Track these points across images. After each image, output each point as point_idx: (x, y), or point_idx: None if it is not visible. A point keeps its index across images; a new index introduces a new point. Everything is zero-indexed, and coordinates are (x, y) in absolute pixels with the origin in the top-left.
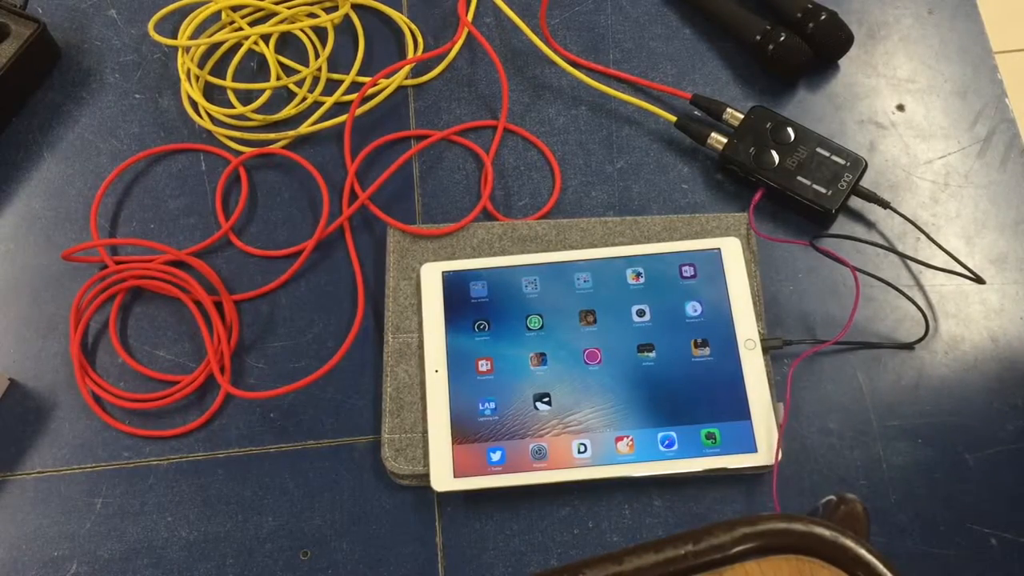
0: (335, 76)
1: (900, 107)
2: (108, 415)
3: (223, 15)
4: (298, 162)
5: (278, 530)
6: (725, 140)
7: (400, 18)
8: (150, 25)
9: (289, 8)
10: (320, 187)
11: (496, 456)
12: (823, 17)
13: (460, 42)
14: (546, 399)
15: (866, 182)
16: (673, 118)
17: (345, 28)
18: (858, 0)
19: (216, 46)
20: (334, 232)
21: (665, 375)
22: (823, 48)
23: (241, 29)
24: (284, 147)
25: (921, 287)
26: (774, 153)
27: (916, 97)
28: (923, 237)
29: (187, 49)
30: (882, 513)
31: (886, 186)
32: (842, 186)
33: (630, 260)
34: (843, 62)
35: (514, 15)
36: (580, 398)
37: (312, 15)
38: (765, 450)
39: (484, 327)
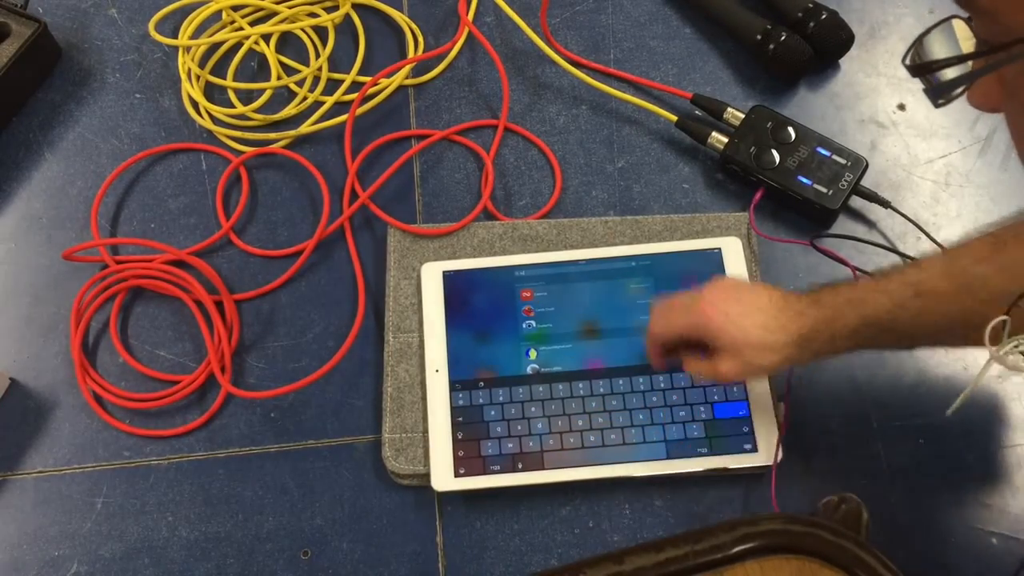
0: (335, 76)
1: (901, 106)
2: (109, 415)
3: (224, 15)
4: (299, 162)
5: (278, 530)
6: (726, 140)
7: (401, 17)
8: (151, 25)
9: (290, 8)
10: (321, 187)
11: (496, 456)
12: (824, 17)
13: (461, 41)
14: (546, 398)
15: (867, 182)
16: (674, 118)
17: (346, 28)
18: (859, 0)
19: (217, 46)
20: (335, 232)
21: (665, 374)
22: (824, 47)
23: (242, 29)
24: (285, 147)
25: None
26: (775, 153)
27: (917, 96)
28: (924, 237)
29: (188, 49)
30: (882, 513)
31: (887, 186)
32: (843, 186)
33: (631, 260)
34: (844, 61)
35: (515, 14)
36: (580, 397)
37: (313, 15)
38: (765, 450)
39: (485, 326)
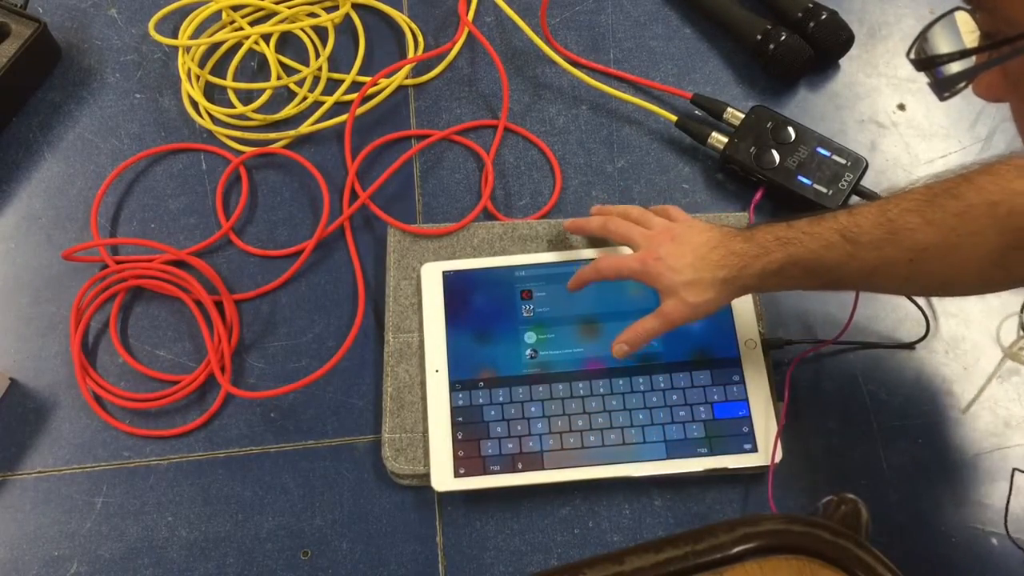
0: (335, 76)
1: (901, 107)
2: (108, 415)
3: (223, 15)
4: (298, 162)
5: (278, 530)
6: (726, 140)
7: (400, 17)
8: (151, 25)
9: (289, 8)
10: (320, 187)
11: (496, 456)
12: (824, 17)
13: (460, 42)
14: (546, 398)
15: (867, 182)
16: (674, 118)
17: (345, 28)
18: (859, 0)
19: (217, 46)
20: (334, 232)
21: (666, 374)
22: (824, 47)
23: (241, 29)
24: (284, 147)
25: None
26: (775, 153)
27: (917, 97)
28: None
29: (188, 49)
30: (882, 513)
31: (887, 186)
32: (843, 186)
33: None
34: (844, 61)
35: (515, 15)
36: (580, 397)
37: (312, 15)
38: (765, 450)
39: (485, 326)
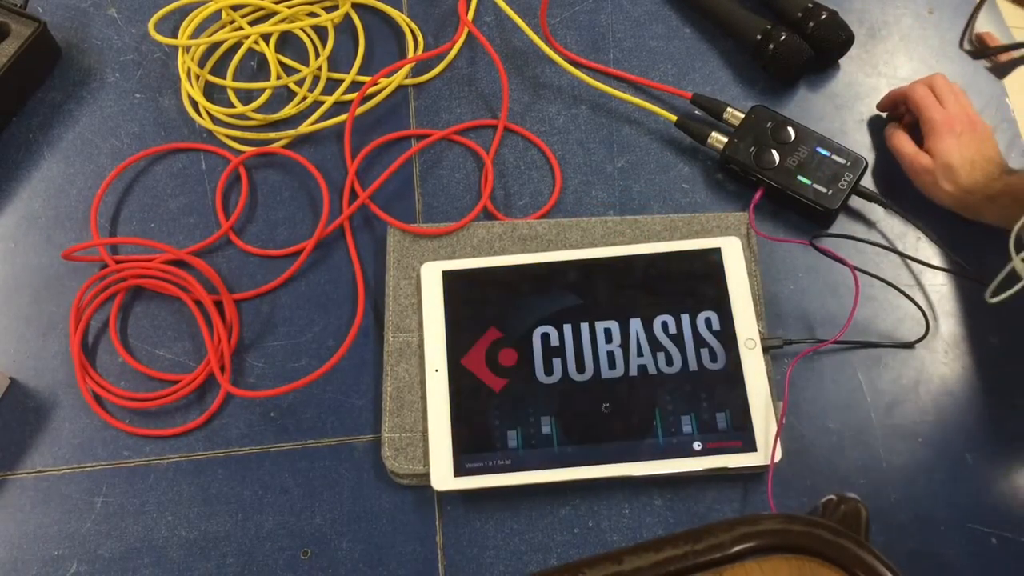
0: (335, 75)
1: None
2: (108, 414)
3: (223, 14)
4: (298, 161)
5: (278, 529)
6: (725, 139)
7: (400, 17)
8: (150, 24)
9: (289, 7)
10: (320, 186)
11: (496, 456)
12: (823, 16)
13: (460, 41)
14: (546, 397)
15: (867, 182)
16: (673, 117)
17: (345, 27)
18: (859, 0)
19: (216, 45)
20: (334, 232)
21: (665, 374)
22: (824, 47)
23: (241, 28)
24: (284, 146)
25: (921, 286)
26: (774, 152)
27: None
28: (923, 236)
29: (187, 48)
30: (882, 513)
31: (887, 186)
32: (842, 185)
33: (630, 260)
34: (844, 61)
35: (514, 14)
36: (580, 397)
37: (312, 14)
38: (764, 449)
39: (484, 326)
